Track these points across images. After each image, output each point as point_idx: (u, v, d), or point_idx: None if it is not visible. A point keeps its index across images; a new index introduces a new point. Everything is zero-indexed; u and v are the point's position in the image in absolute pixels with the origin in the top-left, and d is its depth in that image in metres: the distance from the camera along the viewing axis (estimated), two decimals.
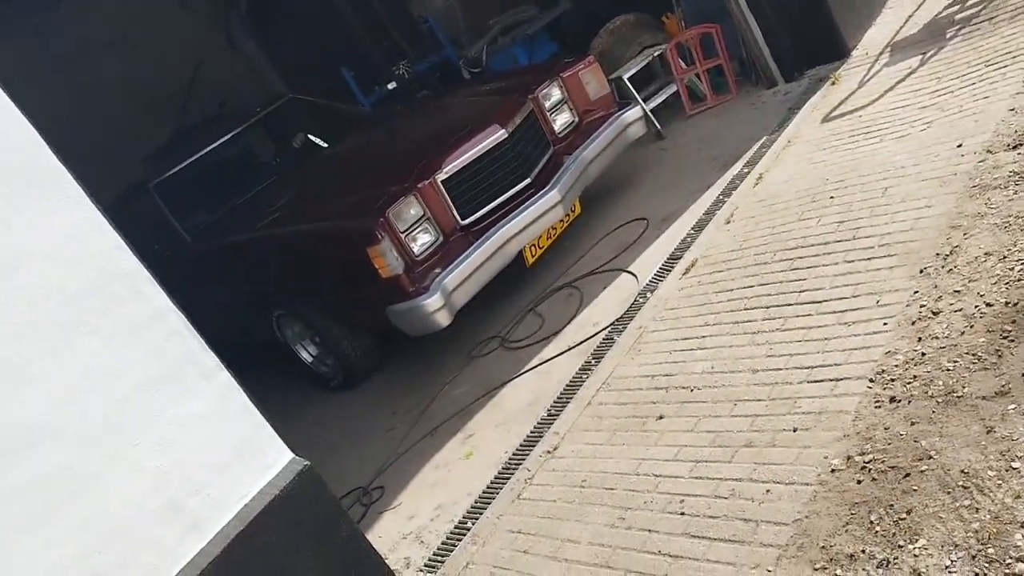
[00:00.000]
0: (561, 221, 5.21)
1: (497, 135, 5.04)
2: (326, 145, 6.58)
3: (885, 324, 3.18)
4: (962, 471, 2.41)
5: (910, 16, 5.83)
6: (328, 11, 10.85)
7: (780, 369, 3.32)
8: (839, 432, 2.84)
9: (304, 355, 5.56)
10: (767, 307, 3.75)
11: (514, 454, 3.84)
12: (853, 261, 3.68)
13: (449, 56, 8.96)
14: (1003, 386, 2.58)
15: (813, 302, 3.59)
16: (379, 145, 6.10)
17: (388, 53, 10.69)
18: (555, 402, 4.04)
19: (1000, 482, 2.31)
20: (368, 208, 4.69)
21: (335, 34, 10.93)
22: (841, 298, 3.50)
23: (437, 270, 4.68)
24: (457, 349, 5.12)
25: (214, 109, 9.96)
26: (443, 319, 4.56)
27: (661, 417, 3.49)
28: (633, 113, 5.71)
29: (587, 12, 8.50)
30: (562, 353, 4.42)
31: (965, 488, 2.36)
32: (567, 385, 4.11)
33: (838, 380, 3.07)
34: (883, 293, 3.36)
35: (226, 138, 6.55)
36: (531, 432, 3.92)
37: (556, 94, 5.59)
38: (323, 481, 3.06)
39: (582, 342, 4.39)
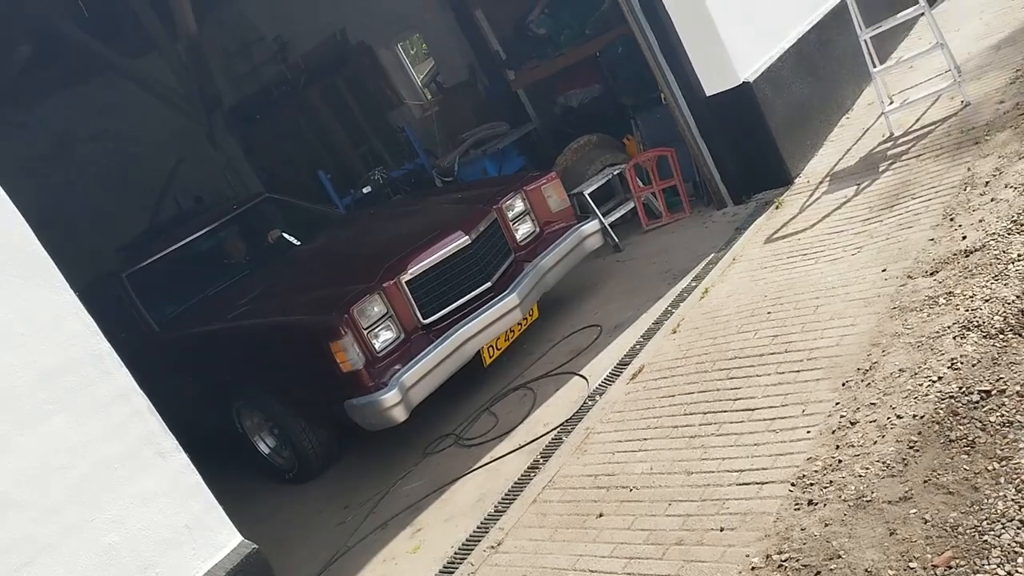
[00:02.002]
0: (519, 324, 5.46)
1: (460, 241, 5.32)
2: (298, 243, 6.82)
3: (808, 432, 3.41)
4: (866, 570, 2.60)
5: (848, 150, 6.29)
6: (309, 115, 11.32)
7: (713, 472, 3.52)
8: (761, 532, 3.03)
9: (262, 446, 5.66)
10: (705, 413, 3.97)
11: (459, 549, 3.96)
12: (784, 372, 3.93)
13: (423, 164, 9.36)
14: (906, 492, 2.80)
15: (747, 409, 3.82)
16: (348, 245, 6.37)
17: (365, 158, 11.13)
18: (503, 499, 4.18)
19: None
20: (333, 304, 4.88)
21: (314, 137, 11.38)
22: (771, 407, 3.73)
23: (397, 367, 4.85)
24: (413, 445, 5.26)
25: (191, 204, 10.25)
26: (399, 415, 4.70)
27: (601, 515, 3.65)
28: (591, 226, 6.04)
29: (554, 130, 9.02)
30: (512, 452, 4.58)
31: None
32: (515, 483, 4.26)
33: (763, 483, 3.28)
34: (809, 403, 3.60)
35: (200, 233, 6.80)
36: (477, 527, 4.05)
37: (519, 205, 5.92)
38: (269, 565, 3.17)
39: (532, 441, 4.57)
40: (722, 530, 3.15)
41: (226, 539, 3.08)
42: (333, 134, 11.34)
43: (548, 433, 4.56)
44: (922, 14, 6.06)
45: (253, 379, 5.44)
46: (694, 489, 3.48)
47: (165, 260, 6.56)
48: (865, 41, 6.22)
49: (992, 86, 5.92)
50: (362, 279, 5.06)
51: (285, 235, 6.88)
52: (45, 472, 2.71)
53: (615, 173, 7.14)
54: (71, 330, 2.87)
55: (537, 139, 9.41)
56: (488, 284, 5.41)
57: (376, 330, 4.89)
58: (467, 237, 5.35)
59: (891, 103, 6.37)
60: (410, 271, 5.10)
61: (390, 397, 4.65)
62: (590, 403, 4.63)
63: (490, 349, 5.35)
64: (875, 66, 6.29)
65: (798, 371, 3.88)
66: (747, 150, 6.29)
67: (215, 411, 5.70)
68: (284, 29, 11.80)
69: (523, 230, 5.92)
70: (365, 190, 9.03)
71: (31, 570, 2.63)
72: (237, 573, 3.02)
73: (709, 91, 6.20)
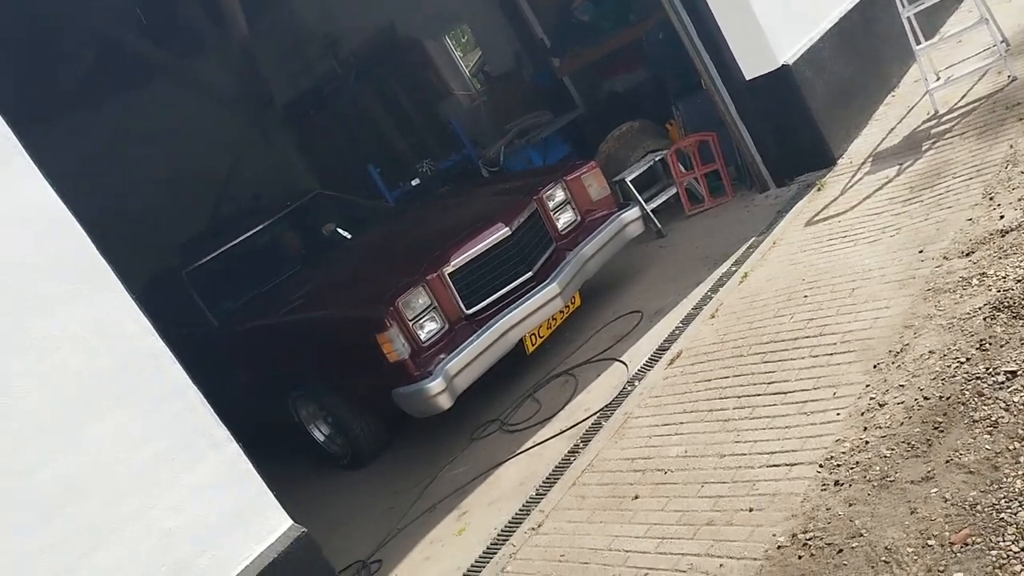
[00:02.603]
0: (561, 312, 5.56)
1: (500, 232, 5.45)
2: (350, 237, 7.02)
3: (838, 414, 3.47)
4: (886, 547, 2.67)
5: (892, 129, 6.23)
6: (359, 110, 11.56)
7: (745, 454, 3.60)
8: (788, 512, 3.10)
9: (317, 435, 5.88)
10: (739, 396, 4.04)
11: (502, 530, 4.11)
12: (817, 356, 3.98)
13: (470, 155, 9.51)
14: (929, 472, 2.85)
15: (779, 393, 3.88)
16: (394, 239, 6.55)
17: (414, 150, 11.33)
18: (544, 482, 4.31)
19: (916, 558, 2.57)
20: (379, 297, 5.08)
21: (365, 131, 11.61)
22: (804, 390, 3.78)
23: (441, 356, 5.02)
24: (459, 431, 5.42)
25: (248, 201, 10.56)
26: (445, 402, 4.87)
27: (636, 497, 3.76)
28: (631, 213, 6.12)
29: (597, 118, 9.07)
30: (554, 436, 4.71)
31: (886, 563, 2.62)
32: (556, 466, 4.39)
33: (793, 465, 3.35)
34: (840, 386, 3.65)
35: (256, 230, 7.05)
36: (519, 510, 4.19)
37: (560, 195, 6.02)
38: (319, 547, 3.36)
39: (572, 426, 4.68)
40: (751, 510, 3.23)
41: (277, 523, 3.27)
42: (383, 128, 11.55)
43: (588, 418, 4.67)
44: None
45: (307, 371, 5.65)
46: (726, 471, 3.56)
47: (223, 257, 6.80)
48: (908, 18, 6.14)
49: None
50: (407, 272, 5.23)
51: (339, 229, 7.09)
52: (108, 463, 2.92)
53: (657, 159, 7.18)
54: (128, 331, 3.07)
55: (583, 125, 9.48)
56: (529, 274, 5.53)
57: (421, 321, 5.06)
58: (507, 229, 5.47)
59: (937, 80, 6.28)
60: (452, 263, 5.24)
61: (435, 385, 4.82)
62: (629, 388, 4.73)
63: (532, 337, 5.48)
64: (919, 43, 6.20)
65: (831, 354, 3.92)
66: (788, 133, 6.28)
67: (273, 402, 5.91)
68: (334, 26, 12.03)
69: (564, 219, 6.03)
70: (414, 182, 9.21)
71: (99, 553, 2.85)
72: (288, 555, 3.21)
73: (748, 75, 6.19)
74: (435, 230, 6.10)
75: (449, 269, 5.23)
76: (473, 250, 5.34)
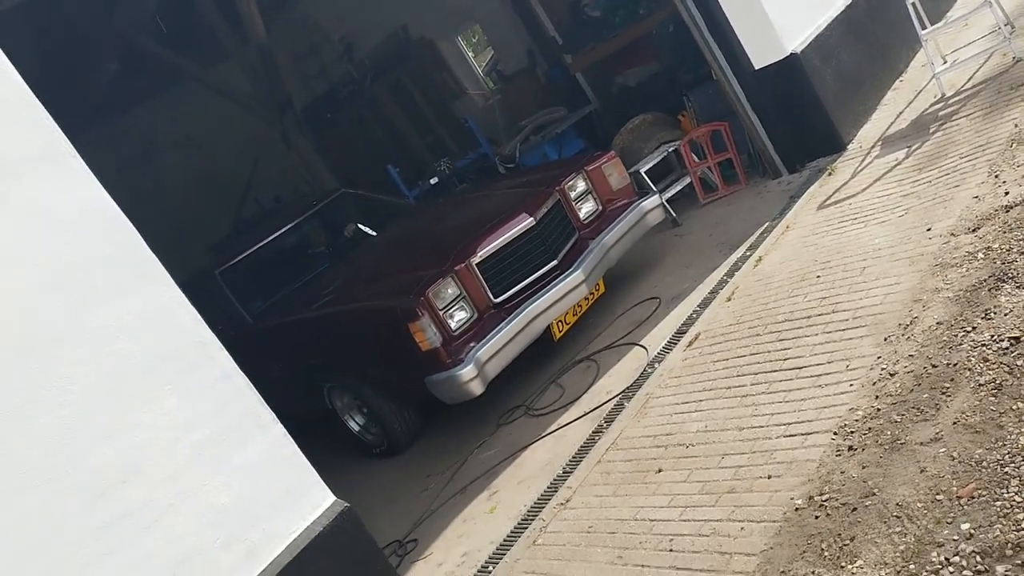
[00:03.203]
0: (586, 299, 5.73)
1: (525, 223, 5.62)
2: (374, 234, 7.18)
3: (851, 385, 3.63)
4: (897, 504, 2.84)
5: (900, 113, 6.37)
6: (376, 111, 11.77)
7: (762, 426, 3.77)
8: (805, 477, 3.27)
9: (352, 424, 6.07)
10: (756, 373, 4.20)
11: (532, 507, 4.29)
12: (831, 332, 4.13)
13: (486, 153, 9.69)
14: (937, 433, 3.01)
15: (795, 368, 4.04)
16: (420, 233, 6.74)
17: (432, 149, 11.53)
18: (570, 461, 4.49)
19: (925, 511, 2.73)
20: (410, 288, 5.26)
21: (382, 132, 11.83)
22: (818, 364, 3.95)
23: (471, 344, 5.19)
24: (487, 418, 5.60)
25: (271, 203, 10.80)
26: (476, 388, 5.04)
27: (660, 471, 3.93)
28: (651, 201, 6.26)
29: (610, 112, 9.23)
30: (578, 418, 4.88)
31: (898, 518, 2.78)
32: (581, 446, 4.57)
33: (808, 434, 3.51)
34: (853, 359, 3.81)
35: (285, 229, 7.25)
36: (547, 487, 4.37)
37: (581, 185, 6.18)
38: (361, 522, 3.55)
39: (596, 408, 4.86)
40: (770, 477, 3.40)
41: (320, 499, 3.47)
42: (400, 128, 11.76)
43: (611, 400, 4.84)
44: None
45: (341, 362, 5.84)
46: (745, 443, 3.73)
47: (254, 256, 7.00)
48: (913, 4, 6.27)
49: None
50: (435, 264, 5.41)
51: (361, 227, 7.28)
52: (164, 444, 3.12)
53: (671, 150, 7.34)
54: (178, 321, 3.28)
55: (597, 120, 9.64)
56: (554, 262, 5.68)
57: (451, 311, 5.24)
58: (532, 219, 5.63)
59: (944, 63, 6.41)
60: (479, 254, 5.42)
61: (467, 372, 4.99)
62: (649, 371, 4.90)
63: (559, 324, 5.64)
64: (924, 28, 6.33)
65: (844, 330, 4.08)
66: (798, 120, 6.42)
67: (308, 394, 6.08)
68: (349, 29, 12.26)
69: (586, 209, 6.18)
70: (432, 181, 9.39)
71: (157, 527, 3.05)
72: (332, 528, 3.40)
73: (757, 64, 6.35)
74: (460, 223, 6.27)
75: (476, 259, 5.40)
76: (499, 240, 5.51)
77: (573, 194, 6.13)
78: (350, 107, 11.84)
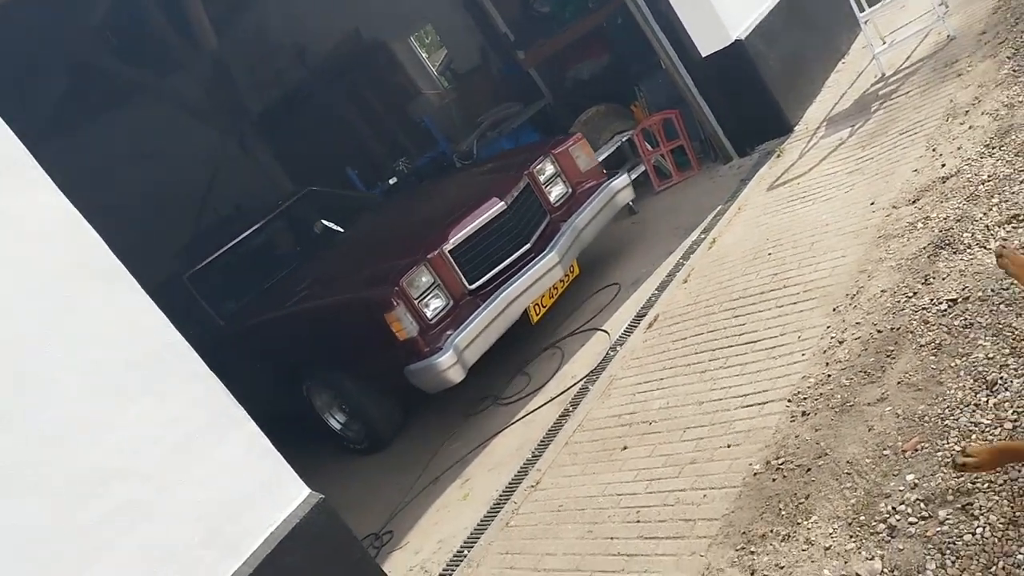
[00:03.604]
0: (561, 281, 5.71)
1: (497, 207, 5.62)
2: (342, 230, 7.11)
3: (803, 355, 3.79)
4: (847, 462, 2.99)
5: (843, 93, 6.58)
6: (333, 115, 11.80)
7: (721, 399, 3.91)
8: (762, 444, 3.42)
9: (333, 423, 5.99)
10: (713, 350, 4.35)
11: (503, 491, 4.40)
12: (783, 306, 4.30)
13: (444, 151, 9.78)
14: (883, 394, 3.18)
15: (750, 342, 4.19)
16: (391, 224, 6.69)
17: (390, 150, 11.58)
18: (538, 445, 4.61)
19: (874, 466, 2.89)
20: (384, 279, 5.23)
21: (340, 136, 11.86)
22: (772, 337, 4.10)
23: (449, 331, 5.17)
24: (456, 411, 5.69)
25: (230, 211, 10.77)
26: (456, 375, 5.02)
27: (625, 448, 4.06)
28: (621, 181, 6.30)
29: (564, 105, 9.36)
30: (545, 404, 5.00)
31: (848, 474, 2.94)
32: (548, 430, 4.69)
33: (764, 403, 3.66)
34: (804, 330, 3.97)
35: (252, 230, 7.14)
36: (518, 472, 4.49)
37: (550, 169, 6.18)
38: (337, 512, 3.63)
39: (561, 393, 4.98)
40: (729, 447, 3.55)
41: (296, 492, 3.53)
42: (357, 130, 11.80)
43: (576, 384, 4.97)
44: None
45: (319, 359, 5.78)
46: (705, 416, 3.87)
47: (221, 259, 6.90)
48: None
49: (976, 17, 6.17)
50: (408, 253, 5.37)
51: (328, 224, 7.18)
52: (142, 445, 3.17)
53: (624, 140, 7.49)
54: (147, 325, 3.32)
55: (551, 114, 9.77)
56: (527, 246, 5.68)
57: (426, 299, 5.22)
58: (503, 203, 5.63)
59: (883, 44, 6.63)
60: (451, 240, 5.39)
61: (446, 359, 4.97)
62: (612, 354, 5.03)
63: (536, 307, 5.62)
64: (862, 11, 6.54)
65: (795, 303, 4.24)
66: (746, 104, 6.61)
67: (286, 394, 6.01)
68: (301, 34, 12.26)
69: (556, 192, 6.17)
70: (391, 181, 9.46)
71: (141, 526, 3.10)
72: (308, 519, 3.47)
73: (704, 52, 6.51)
74: (431, 212, 6.22)
75: (449, 246, 5.38)
76: (471, 226, 5.49)
77: (542, 178, 6.12)
78: (306, 112, 11.85)
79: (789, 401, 3.55)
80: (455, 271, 5.39)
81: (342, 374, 5.70)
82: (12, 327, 2.97)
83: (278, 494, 3.49)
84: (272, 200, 8.07)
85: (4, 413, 2.87)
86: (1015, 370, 2.83)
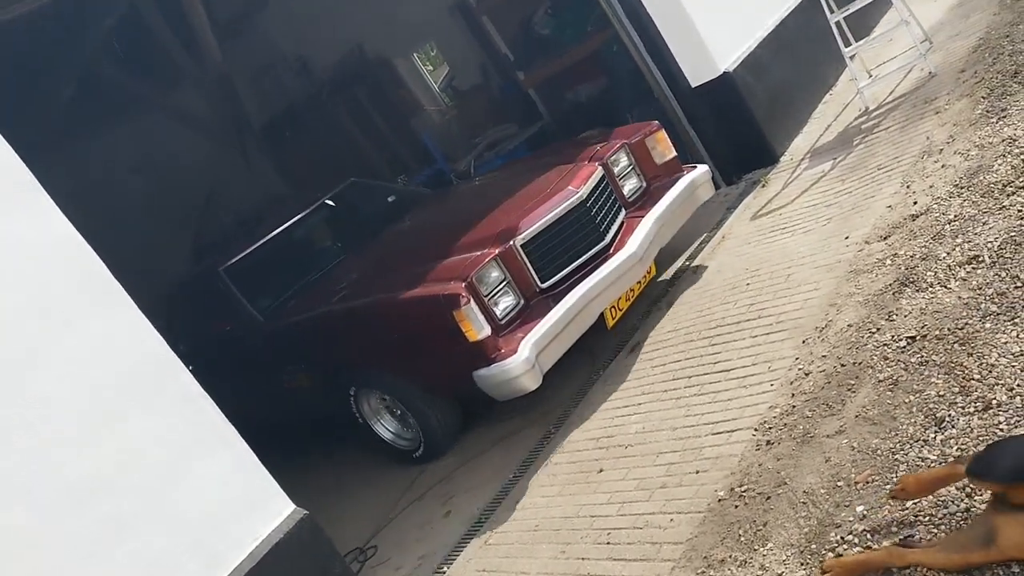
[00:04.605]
0: (639, 283, 5.30)
1: (573, 197, 5.13)
2: (391, 222, 6.69)
3: (772, 385, 3.94)
4: (804, 491, 3.14)
5: (828, 126, 6.75)
6: (334, 129, 11.99)
7: (693, 425, 4.06)
8: (728, 471, 3.56)
9: (380, 429, 5.54)
10: (689, 377, 4.50)
11: (484, 510, 4.55)
12: (756, 336, 4.45)
13: (442, 168, 9.96)
14: (841, 426, 3.33)
15: (724, 370, 4.34)
16: (451, 216, 6.15)
17: (391, 165, 11.77)
18: (519, 466, 4.76)
19: (827, 496, 3.04)
20: (452, 273, 4.77)
21: (340, 150, 12.04)
22: (744, 366, 4.25)
23: (520, 333, 4.70)
24: None
25: (230, 223, 10.94)
26: (531, 382, 4.58)
27: (601, 471, 4.21)
28: (702, 174, 5.82)
29: (561, 127, 9.56)
30: (527, 427, 5.14)
31: (804, 504, 3.08)
32: (530, 451, 4.84)
33: (733, 431, 3.81)
34: (774, 360, 4.12)
35: (292, 221, 6.76)
36: (498, 491, 4.63)
37: (624, 160, 5.72)
38: (320, 528, 3.78)
39: (544, 416, 5.12)
40: (697, 472, 3.69)
41: (281, 508, 3.68)
42: (358, 145, 11.99)
43: (558, 408, 5.11)
44: None
45: (372, 360, 5.31)
46: (678, 441, 4.02)
47: (260, 252, 6.49)
48: (837, 23, 6.65)
49: (957, 55, 6.33)
50: (475, 246, 4.95)
51: (376, 214, 6.83)
52: (132, 459, 3.32)
53: None
54: (142, 342, 3.48)
55: (548, 135, 9.95)
56: (604, 243, 5.22)
57: (495, 297, 4.79)
58: (580, 192, 5.15)
59: (868, 78, 6.80)
60: (524, 233, 4.94)
61: (522, 364, 4.50)
62: (595, 378, 5.18)
63: (612, 310, 5.19)
64: (848, 45, 6.72)
65: (768, 333, 4.39)
66: (734, 134, 6.78)
67: (330, 397, 5.58)
68: (305, 49, 12.46)
69: (629, 186, 5.73)
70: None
71: (128, 538, 3.25)
72: (293, 535, 3.61)
73: (694, 83, 6.69)
74: (495, 204, 5.64)
75: (521, 240, 4.92)
76: (545, 218, 5.03)
77: (616, 169, 5.64)
78: (309, 126, 12.03)
79: (755, 430, 3.69)
80: (527, 267, 4.92)
81: (396, 377, 5.24)
82: (10, 344, 3.13)
83: (264, 509, 3.63)
84: (270, 214, 8.05)
85: (1, 426, 3.03)
86: (962, 408, 2.98)
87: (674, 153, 5.91)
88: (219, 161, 11.87)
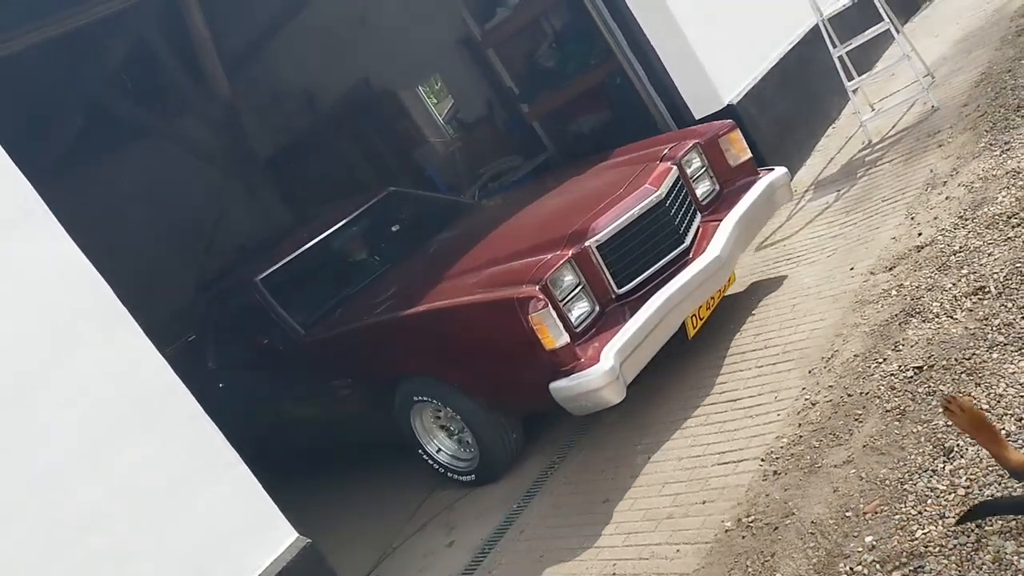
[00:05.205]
0: (719, 291, 4.95)
1: (651, 196, 4.78)
2: (433, 232, 6.40)
3: (778, 415, 3.93)
4: (812, 522, 3.12)
5: (832, 158, 6.79)
6: (339, 160, 12.08)
7: (699, 455, 4.04)
8: (735, 501, 3.54)
9: (432, 448, 5.19)
10: (696, 406, 4.49)
11: (488, 539, 4.51)
12: (763, 366, 4.44)
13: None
14: (849, 456, 3.31)
15: (730, 400, 4.33)
16: (511, 221, 5.63)
17: None
18: (524, 495, 4.72)
19: (836, 527, 3.02)
20: (522, 276, 4.38)
21: (345, 181, 12.11)
22: (750, 396, 4.25)
23: (598, 342, 4.33)
24: None
25: (235, 252, 11.00)
26: (615, 395, 4.17)
27: (606, 500, 4.18)
28: (780, 177, 5.47)
29: (566, 158, 9.61)
30: (534, 456, 5.12)
31: (812, 534, 3.06)
32: (535, 481, 4.80)
33: (739, 461, 3.79)
34: (780, 390, 4.11)
35: (330, 231, 6.50)
36: (503, 521, 4.60)
37: (696, 161, 5.40)
38: (323, 556, 3.76)
39: (549, 445, 5.10)
40: (704, 503, 3.67)
41: (284, 535, 3.66)
42: (363, 177, 12.06)
43: (564, 437, 5.09)
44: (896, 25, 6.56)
45: (429, 374, 4.92)
46: (684, 471, 4.00)
47: (297, 262, 6.23)
48: (839, 57, 6.71)
49: (959, 89, 6.39)
50: (546, 248, 4.57)
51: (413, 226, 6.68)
52: (135, 484, 3.32)
53: None
54: (147, 368, 3.49)
55: (553, 167, 10.00)
56: (683, 246, 4.87)
57: (569, 303, 4.41)
58: (658, 191, 4.82)
59: (872, 111, 6.85)
60: (599, 235, 4.57)
61: (606, 374, 4.10)
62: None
63: (693, 319, 4.79)
64: (851, 79, 6.78)
65: (774, 363, 4.39)
66: None
67: (377, 415, 5.31)
68: (311, 81, 12.59)
69: (702, 188, 5.39)
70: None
71: (130, 564, 3.24)
72: (295, 563, 3.59)
73: (697, 115, 6.73)
74: (562, 206, 5.36)
75: (596, 241, 4.55)
76: (622, 218, 4.66)
77: (689, 170, 5.30)
78: (314, 157, 12.12)
79: (763, 460, 3.68)
80: (602, 271, 4.55)
81: (458, 393, 4.79)
82: (16, 368, 3.14)
83: (267, 536, 3.62)
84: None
85: (4, 449, 3.03)
86: (971, 438, 2.96)
87: (749, 155, 5.54)
88: (225, 189, 11.95)
